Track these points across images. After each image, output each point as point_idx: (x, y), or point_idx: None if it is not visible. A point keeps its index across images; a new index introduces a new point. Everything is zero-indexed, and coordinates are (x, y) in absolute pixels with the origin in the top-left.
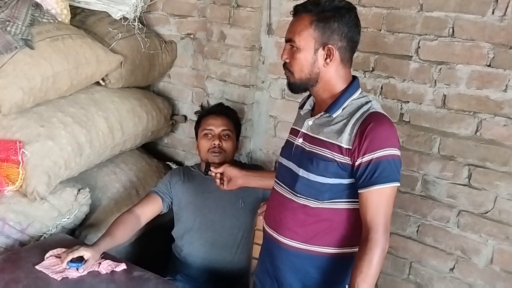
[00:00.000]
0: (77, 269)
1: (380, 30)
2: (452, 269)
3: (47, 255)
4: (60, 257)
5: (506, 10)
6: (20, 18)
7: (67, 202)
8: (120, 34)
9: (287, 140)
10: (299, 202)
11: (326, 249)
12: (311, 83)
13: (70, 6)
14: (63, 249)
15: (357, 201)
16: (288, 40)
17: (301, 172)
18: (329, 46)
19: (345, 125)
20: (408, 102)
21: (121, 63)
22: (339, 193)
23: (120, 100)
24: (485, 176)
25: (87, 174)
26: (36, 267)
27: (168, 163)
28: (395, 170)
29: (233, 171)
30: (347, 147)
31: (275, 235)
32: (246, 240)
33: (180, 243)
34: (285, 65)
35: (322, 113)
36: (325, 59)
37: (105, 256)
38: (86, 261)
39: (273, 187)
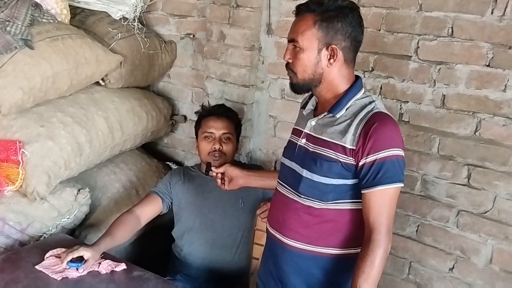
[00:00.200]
0: (77, 269)
1: (380, 30)
2: (451, 269)
3: (47, 255)
4: (60, 257)
5: (505, 10)
6: (19, 18)
7: (67, 202)
8: (119, 34)
9: (289, 140)
10: (303, 203)
11: (330, 250)
12: (315, 84)
13: (69, 6)
14: (63, 249)
15: (361, 202)
16: (291, 40)
17: (305, 173)
18: (333, 46)
19: (349, 125)
20: (408, 102)
21: (121, 63)
22: (343, 193)
23: (120, 100)
24: (484, 176)
25: (87, 174)
26: (36, 267)
27: (168, 163)
28: (398, 171)
29: (234, 171)
30: (351, 147)
31: (278, 236)
32: (246, 240)
33: (180, 243)
34: (287, 65)
35: (325, 113)
36: (329, 59)
37: (105, 256)
38: (86, 261)
39: (276, 188)
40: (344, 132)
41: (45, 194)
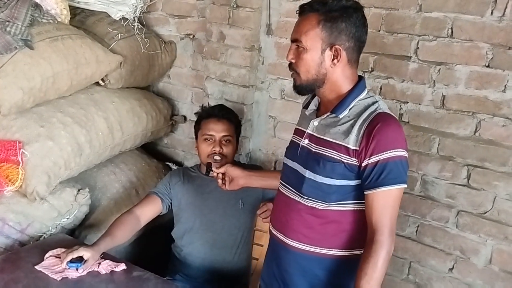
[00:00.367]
0: (77, 269)
1: (379, 31)
2: (451, 269)
3: (46, 255)
4: (59, 257)
5: (504, 11)
6: (19, 19)
7: (67, 202)
8: (119, 35)
9: (291, 140)
10: (306, 204)
11: (334, 251)
12: (318, 84)
13: (69, 6)
14: (63, 249)
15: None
16: (294, 40)
17: (308, 174)
18: (337, 46)
19: (352, 126)
20: (407, 102)
21: (121, 63)
22: (346, 194)
23: (120, 100)
24: (484, 176)
25: (87, 174)
26: (36, 267)
27: (167, 163)
28: (402, 172)
29: (235, 171)
30: (354, 148)
31: (281, 237)
32: (246, 240)
33: (180, 244)
34: (290, 66)
35: (328, 113)
36: (332, 60)
37: (105, 256)
38: (85, 261)
39: (278, 189)
40: (347, 132)
41: (45, 194)
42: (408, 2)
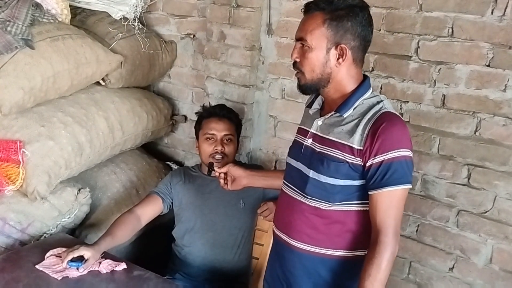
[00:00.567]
0: (77, 269)
1: (380, 30)
2: (451, 269)
3: (47, 254)
4: (60, 257)
5: (505, 10)
6: (20, 18)
7: (68, 202)
8: (120, 34)
9: (294, 140)
10: (310, 204)
11: (338, 252)
12: (323, 84)
13: (70, 6)
14: (64, 249)
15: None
16: (299, 39)
17: (312, 174)
18: (342, 45)
19: (357, 125)
20: (408, 102)
21: (121, 63)
22: (350, 194)
23: (120, 100)
24: (484, 176)
25: (87, 174)
26: (37, 266)
27: (168, 163)
28: (407, 172)
29: (238, 170)
30: (359, 147)
31: (285, 238)
32: (247, 240)
33: (181, 243)
34: (295, 65)
35: (332, 113)
36: (338, 59)
37: (105, 255)
38: (86, 260)
39: (281, 189)
40: (351, 132)
41: (45, 193)
42: (409, 2)
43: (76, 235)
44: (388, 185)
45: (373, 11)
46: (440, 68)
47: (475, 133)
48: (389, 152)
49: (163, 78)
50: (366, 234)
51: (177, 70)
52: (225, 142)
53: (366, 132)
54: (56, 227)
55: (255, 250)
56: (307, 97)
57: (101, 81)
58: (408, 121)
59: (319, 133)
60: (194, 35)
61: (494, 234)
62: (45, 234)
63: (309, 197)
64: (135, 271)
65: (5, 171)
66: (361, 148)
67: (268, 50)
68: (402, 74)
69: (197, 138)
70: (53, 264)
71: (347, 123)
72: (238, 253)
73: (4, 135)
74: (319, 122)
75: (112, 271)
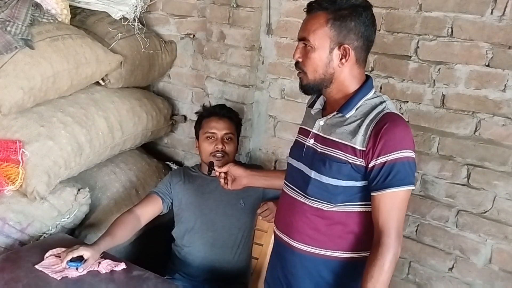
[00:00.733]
0: (77, 269)
1: (379, 30)
2: (451, 269)
3: (47, 254)
4: (59, 257)
5: (504, 10)
6: (20, 18)
7: (67, 202)
8: (120, 34)
9: (296, 140)
10: (311, 205)
11: (340, 253)
12: (325, 84)
13: (70, 6)
14: (63, 249)
15: (371, 204)
16: (302, 39)
17: (313, 174)
18: (345, 46)
19: (359, 126)
20: (407, 102)
21: (121, 63)
22: (352, 195)
23: (120, 100)
24: (484, 176)
25: (87, 174)
26: (36, 266)
27: (167, 163)
28: (409, 173)
29: (238, 170)
30: (361, 148)
31: (286, 239)
32: (246, 240)
33: (181, 243)
34: (297, 65)
35: (334, 113)
36: (341, 59)
37: (105, 255)
38: (85, 260)
39: (282, 189)
40: (354, 132)
41: (45, 193)
42: (408, 2)
43: (75, 235)
44: (390, 186)
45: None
46: (440, 68)
47: (474, 133)
48: (392, 153)
49: (163, 78)
50: (368, 236)
51: (176, 70)
52: (226, 141)
53: (368, 132)
54: (56, 227)
55: (254, 250)
56: (307, 97)
57: (100, 81)
58: (408, 121)
59: (321, 134)
60: (194, 35)
61: (493, 234)
62: (44, 234)
63: (310, 198)
64: (135, 271)
65: (4, 171)
66: (364, 148)
67: (268, 50)
68: (402, 74)
69: (197, 137)
70: (52, 264)
71: (349, 123)
72: (237, 253)
73: (3, 135)
74: (321, 122)
75: (112, 271)
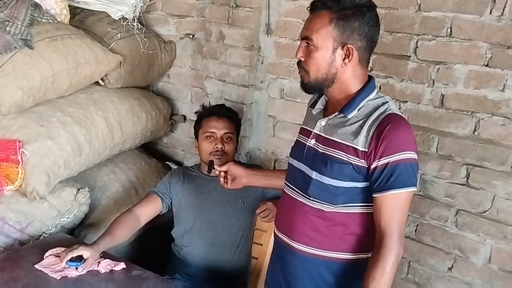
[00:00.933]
0: (76, 268)
1: None
2: (450, 268)
3: (46, 254)
4: (59, 256)
5: (503, 10)
6: (19, 18)
7: (67, 202)
8: (119, 34)
9: (297, 140)
10: (313, 206)
11: (341, 255)
12: (327, 84)
13: (69, 6)
14: (63, 248)
15: (372, 206)
16: (305, 38)
17: (314, 175)
18: (349, 46)
19: (361, 126)
20: (406, 101)
21: (120, 63)
22: (354, 197)
23: (120, 100)
24: (483, 176)
25: (87, 173)
26: (36, 266)
27: (167, 163)
28: (412, 175)
29: (238, 169)
30: (363, 149)
31: (286, 240)
32: (246, 239)
33: (180, 243)
34: (299, 64)
35: (336, 113)
36: (344, 59)
37: (105, 255)
38: (85, 260)
39: (283, 190)
40: (356, 133)
41: (44, 193)
42: (407, 2)
43: (75, 235)
44: (393, 188)
45: None
46: (439, 68)
47: (473, 133)
48: (395, 155)
49: (162, 78)
50: (369, 237)
51: (176, 70)
52: (225, 141)
53: (371, 133)
54: (55, 227)
55: (254, 250)
56: (307, 96)
57: (100, 81)
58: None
59: (322, 134)
60: (193, 35)
61: (493, 234)
62: (44, 234)
63: (311, 198)
64: (134, 270)
65: (4, 171)
66: (366, 150)
67: (267, 50)
68: (401, 74)
69: (196, 137)
70: (52, 264)
71: (351, 124)
72: (237, 252)
73: (3, 135)
74: (322, 122)
75: (111, 270)
